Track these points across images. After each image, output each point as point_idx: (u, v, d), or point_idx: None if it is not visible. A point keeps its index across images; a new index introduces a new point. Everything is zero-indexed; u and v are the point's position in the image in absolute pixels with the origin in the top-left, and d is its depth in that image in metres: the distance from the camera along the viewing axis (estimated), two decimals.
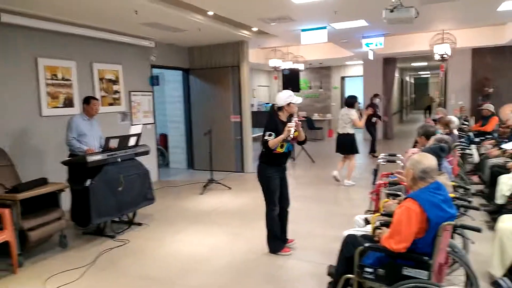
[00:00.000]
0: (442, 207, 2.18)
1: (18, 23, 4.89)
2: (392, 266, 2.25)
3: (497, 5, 5.70)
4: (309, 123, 13.43)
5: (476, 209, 2.83)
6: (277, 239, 3.92)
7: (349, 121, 6.62)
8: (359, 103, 10.08)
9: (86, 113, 4.89)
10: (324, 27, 6.69)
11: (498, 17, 6.75)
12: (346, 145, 6.75)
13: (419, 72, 22.85)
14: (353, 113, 6.64)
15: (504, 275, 3.08)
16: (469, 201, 2.72)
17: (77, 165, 4.39)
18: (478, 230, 2.25)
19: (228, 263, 3.75)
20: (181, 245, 4.28)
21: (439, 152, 2.83)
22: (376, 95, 9.83)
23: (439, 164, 2.85)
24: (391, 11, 3.90)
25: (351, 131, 6.69)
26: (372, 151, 9.62)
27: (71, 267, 3.71)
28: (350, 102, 6.80)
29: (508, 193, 4.30)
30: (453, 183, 3.13)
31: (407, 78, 22.74)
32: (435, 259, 2.15)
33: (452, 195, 2.62)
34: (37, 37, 5.32)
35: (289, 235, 4.08)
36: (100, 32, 6.03)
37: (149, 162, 6.43)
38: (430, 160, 2.29)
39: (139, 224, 4.92)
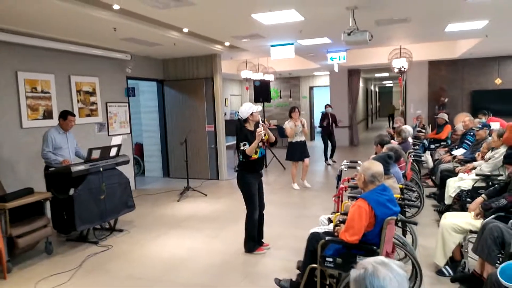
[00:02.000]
0: (387, 205, 2.65)
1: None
2: (347, 255, 2.69)
3: (444, 26, 6.40)
4: (280, 131, 13.93)
5: (417, 207, 3.34)
6: (254, 240, 4.31)
7: None
8: (322, 115, 10.53)
9: (61, 127, 5.08)
10: (292, 43, 7.22)
11: (446, 36, 7.50)
12: None
13: (383, 82, 23.98)
14: (285, 123, 7.27)
15: (446, 264, 3.61)
16: (413, 201, 3.21)
17: (61, 175, 4.63)
18: (414, 223, 2.73)
19: (207, 262, 4.11)
20: (162, 248, 4.60)
21: (387, 159, 3.33)
22: (326, 105, 10.51)
23: (388, 169, 3.35)
24: (349, 34, 4.43)
25: (289, 139, 7.27)
26: (326, 159, 10.20)
27: (58, 271, 3.96)
28: (289, 112, 7.30)
29: (453, 194, 4.87)
30: (401, 186, 3.63)
31: (372, 87, 23.82)
32: (382, 248, 2.61)
33: (397, 195, 3.12)
34: (17, 52, 5.51)
35: (263, 237, 4.48)
36: (78, 46, 6.27)
37: (126, 171, 6.66)
38: (377, 166, 2.77)
39: (121, 231, 5.19)
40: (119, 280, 3.77)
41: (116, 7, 4.57)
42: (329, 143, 10.23)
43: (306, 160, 7.35)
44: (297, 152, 7.21)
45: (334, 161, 10.13)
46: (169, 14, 4.98)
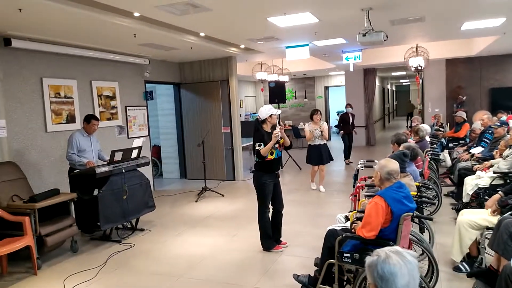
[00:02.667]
0: (403, 202, 2.71)
1: (26, 47, 5.32)
2: (364, 251, 2.75)
3: (460, 24, 6.37)
4: (295, 132, 14.01)
5: (433, 203, 3.37)
6: (270, 238, 4.41)
7: None
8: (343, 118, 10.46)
9: (85, 130, 5.28)
10: (307, 44, 7.29)
11: (462, 34, 7.46)
12: None
13: (400, 80, 23.75)
14: (305, 125, 7.11)
15: (463, 260, 3.63)
16: (429, 198, 3.25)
17: (85, 177, 4.81)
18: (430, 219, 2.78)
19: (227, 259, 4.23)
20: (183, 246, 4.74)
21: (402, 157, 3.38)
22: (347, 105, 10.51)
23: (404, 167, 3.40)
24: (364, 35, 4.48)
25: (309, 142, 7.10)
26: (346, 157, 10.27)
27: (85, 268, 4.13)
28: (310, 114, 7.14)
29: (471, 192, 4.86)
30: (417, 184, 3.67)
31: (389, 86, 23.61)
32: (398, 243, 2.66)
33: (413, 193, 3.16)
34: (42, 59, 5.74)
35: (282, 235, 4.57)
36: (99, 52, 6.48)
37: (145, 172, 6.84)
38: (393, 164, 2.83)
39: (142, 230, 5.35)
40: (143, 276, 3.92)
41: (136, 14, 4.74)
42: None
43: (323, 166, 7.16)
44: (315, 156, 7.04)
45: (350, 162, 10.14)
46: (187, 20, 5.12)
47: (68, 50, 5.92)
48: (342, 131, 10.13)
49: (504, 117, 7.44)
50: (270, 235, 4.40)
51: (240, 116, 12.30)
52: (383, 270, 1.37)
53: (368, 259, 1.44)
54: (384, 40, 4.55)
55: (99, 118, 6.10)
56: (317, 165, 7.15)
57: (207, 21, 5.24)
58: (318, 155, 7.02)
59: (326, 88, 15.82)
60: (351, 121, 10.19)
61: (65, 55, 6.01)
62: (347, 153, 10.29)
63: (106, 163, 5.07)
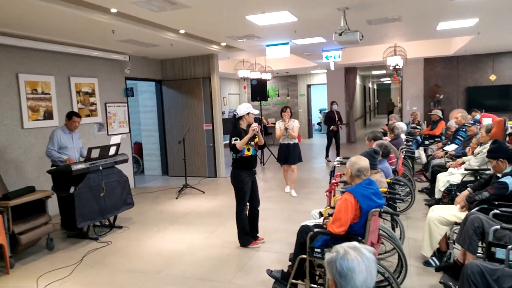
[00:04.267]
0: (372, 198, 2.79)
1: (1, 42, 5.21)
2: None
3: (435, 25, 6.53)
4: None
5: (401, 200, 3.47)
6: (247, 234, 4.46)
7: None
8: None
9: (67, 127, 5.25)
10: (287, 43, 7.34)
11: (438, 34, 7.63)
12: None
13: (380, 79, 24.09)
14: (276, 123, 6.80)
15: (433, 255, 3.75)
16: (399, 194, 3.35)
17: (62, 174, 4.77)
18: (397, 214, 2.87)
19: (205, 256, 4.26)
20: (162, 243, 4.74)
21: (373, 154, 3.47)
22: (332, 102, 10.52)
23: (375, 164, 3.49)
24: (340, 34, 4.56)
25: (279, 140, 6.81)
26: (326, 155, 10.29)
27: (60, 266, 4.10)
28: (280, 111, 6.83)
29: (443, 189, 5.01)
30: (389, 180, 3.77)
31: (370, 85, 23.93)
32: (366, 238, 2.75)
33: (384, 189, 3.25)
34: (18, 54, 5.65)
35: (259, 231, 4.62)
36: (77, 48, 6.40)
37: (125, 169, 6.80)
38: (363, 162, 2.91)
39: (120, 227, 5.33)
40: (119, 273, 3.91)
41: (113, 10, 4.70)
42: (334, 141, 10.13)
43: (293, 166, 6.77)
44: (282, 155, 6.73)
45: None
46: (165, 17, 5.11)
47: (45, 46, 5.83)
48: (333, 127, 9.97)
49: (478, 116, 7.67)
50: (248, 231, 4.45)
51: (224, 113, 12.30)
52: (342, 266, 1.39)
53: (328, 255, 1.46)
54: (360, 40, 4.64)
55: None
56: (285, 164, 6.86)
57: (185, 18, 5.24)
58: (285, 154, 6.71)
59: (309, 86, 15.94)
60: (337, 118, 10.17)
61: (42, 50, 5.92)
62: (328, 151, 10.31)
63: (83, 160, 5.03)
